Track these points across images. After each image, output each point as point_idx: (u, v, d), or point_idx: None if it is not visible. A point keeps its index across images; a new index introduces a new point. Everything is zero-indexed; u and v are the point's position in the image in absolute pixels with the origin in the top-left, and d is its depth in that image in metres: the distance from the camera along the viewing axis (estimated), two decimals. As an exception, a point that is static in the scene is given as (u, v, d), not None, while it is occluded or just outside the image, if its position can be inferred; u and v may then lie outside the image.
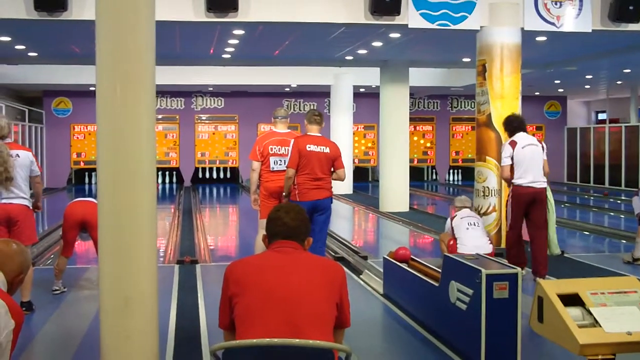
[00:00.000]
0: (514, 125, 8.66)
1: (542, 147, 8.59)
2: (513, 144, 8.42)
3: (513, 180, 8.39)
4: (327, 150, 7.76)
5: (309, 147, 7.66)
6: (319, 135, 7.88)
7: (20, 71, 19.81)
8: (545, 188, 8.52)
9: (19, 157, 6.83)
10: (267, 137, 8.35)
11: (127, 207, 4.83)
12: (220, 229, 14.93)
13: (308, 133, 7.86)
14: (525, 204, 8.38)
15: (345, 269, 7.57)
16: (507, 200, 8.62)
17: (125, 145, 4.81)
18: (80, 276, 8.65)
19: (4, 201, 6.76)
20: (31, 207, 7.02)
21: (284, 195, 7.82)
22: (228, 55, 16.04)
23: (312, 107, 8.34)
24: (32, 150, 7.47)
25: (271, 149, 8.19)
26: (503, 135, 10.65)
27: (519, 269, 5.50)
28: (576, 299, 3.93)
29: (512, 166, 8.40)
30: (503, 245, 10.67)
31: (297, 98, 25.67)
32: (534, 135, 9.67)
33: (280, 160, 8.17)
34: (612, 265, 9.39)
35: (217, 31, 12.75)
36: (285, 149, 8.20)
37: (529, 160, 8.37)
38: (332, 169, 7.84)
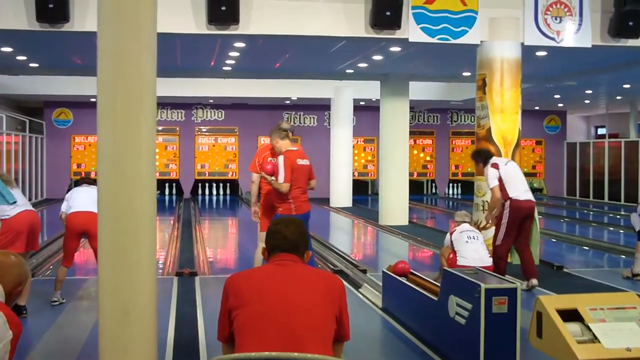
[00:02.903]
0: (487, 155, 9.08)
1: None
2: (496, 166, 8.77)
3: (511, 196, 8.63)
4: (307, 162, 7.94)
5: (299, 162, 7.81)
6: (298, 149, 8.01)
7: (21, 82, 19.85)
8: (535, 204, 8.94)
9: None
10: (267, 149, 8.36)
11: (126, 218, 4.83)
12: (220, 241, 14.92)
13: (289, 148, 7.89)
14: (523, 217, 8.73)
15: (345, 283, 7.56)
16: (501, 214, 8.76)
17: (125, 156, 4.82)
18: (79, 287, 8.64)
19: (28, 208, 7.35)
20: None
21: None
22: (229, 68, 16.08)
23: (282, 123, 8.37)
24: None
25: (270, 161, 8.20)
26: (503, 149, 10.73)
27: (517, 283, 5.50)
28: (575, 314, 3.93)
29: (501, 185, 8.70)
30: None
31: (297, 111, 25.70)
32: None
33: None
34: (611, 280, 9.38)
35: (218, 44, 12.79)
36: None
37: (516, 175, 8.85)
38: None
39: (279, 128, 8.10)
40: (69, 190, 8.13)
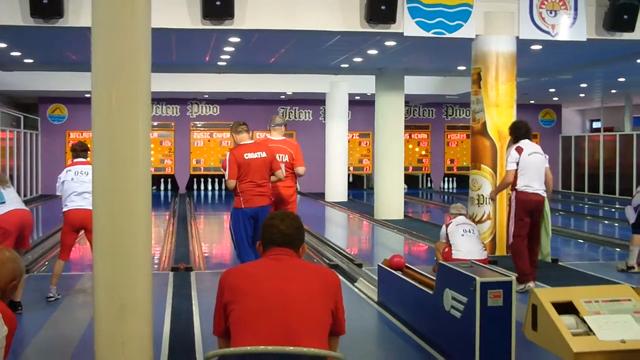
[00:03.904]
0: (521, 132, 8.51)
1: (545, 156, 8.57)
2: (519, 150, 8.32)
3: (517, 187, 8.29)
4: (263, 155, 7.85)
5: (247, 156, 7.77)
6: (252, 142, 7.99)
7: (16, 78, 19.80)
8: (545, 198, 8.47)
9: None
10: (265, 143, 8.37)
11: (122, 214, 4.83)
12: (215, 236, 14.92)
13: (241, 143, 7.91)
14: (530, 211, 8.32)
15: (340, 277, 7.57)
16: (509, 208, 8.50)
17: (120, 152, 4.82)
18: (74, 283, 8.64)
19: (20, 207, 7.22)
20: None
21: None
22: (224, 63, 16.06)
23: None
24: None
25: None
26: (498, 143, 10.72)
27: (513, 276, 5.51)
28: (570, 307, 3.94)
29: (515, 172, 8.31)
30: (497, 253, 10.71)
31: (292, 105, 25.69)
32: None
33: None
34: (606, 273, 9.40)
35: (213, 39, 12.77)
36: (280, 156, 8.24)
37: (534, 168, 8.33)
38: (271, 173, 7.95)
39: (234, 125, 8.14)
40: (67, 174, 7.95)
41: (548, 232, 8.67)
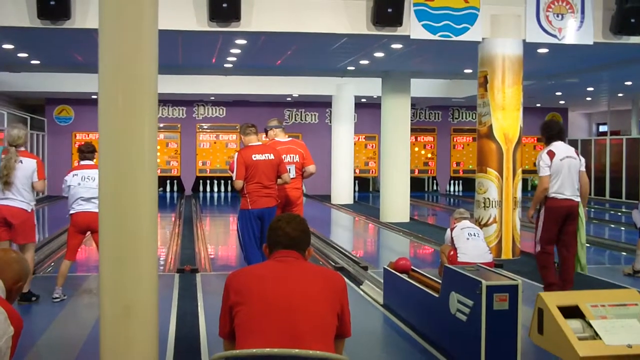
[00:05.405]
0: (553, 131, 7.96)
1: (580, 159, 7.98)
2: (551, 154, 7.79)
3: (547, 193, 7.80)
4: (271, 157, 7.87)
5: (255, 157, 7.81)
6: (260, 143, 8.01)
7: (23, 79, 19.85)
8: (579, 203, 7.95)
9: (21, 163, 7.30)
10: (273, 146, 8.38)
11: (128, 215, 4.84)
12: (221, 238, 14.92)
13: (250, 144, 7.94)
14: (562, 218, 7.84)
15: (346, 279, 7.57)
16: (538, 215, 8.02)
17: (126, 153, 4.82)
18: (80, 284, 8.65)
19: (2, 202, 7.25)
20: (30, 210, 7.43)
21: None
22: (230, 65, 16.07)
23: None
24: (38, 158, 7.73)
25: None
26: (505, 146, 10.70)
27: (519, 280, 5.49)
28: (576, 311, 3.93)
29: (549, 177, 7.78)
30: (503, 256, 10.69)
31: (298, 108, 25.70)
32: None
33: (288, 168, 8.19)
34: (612, 277, 9.37)
35: (219, 41, 12.79)
36: (291, 157, 8.28)
37: (566, 173, 7.79)
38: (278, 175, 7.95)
39: (243, 125, 8.19)
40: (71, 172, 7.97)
41: (582, 242, 8.10)
